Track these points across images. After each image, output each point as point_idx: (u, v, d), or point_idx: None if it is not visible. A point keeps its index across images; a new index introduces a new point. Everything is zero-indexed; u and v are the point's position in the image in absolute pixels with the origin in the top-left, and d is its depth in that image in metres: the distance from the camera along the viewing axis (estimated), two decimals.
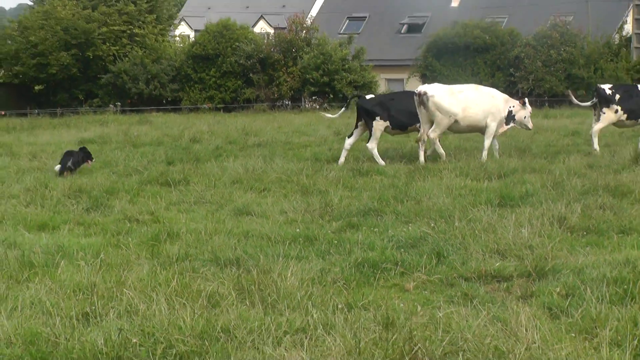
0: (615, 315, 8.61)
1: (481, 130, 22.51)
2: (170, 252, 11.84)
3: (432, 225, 13.06)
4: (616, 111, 23.22)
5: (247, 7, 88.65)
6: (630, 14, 50.92)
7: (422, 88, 22.39)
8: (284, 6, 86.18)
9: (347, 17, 68.39)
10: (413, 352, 7.73)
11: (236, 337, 8.23)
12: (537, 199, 15.23)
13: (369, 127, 22.90)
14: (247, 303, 9.33)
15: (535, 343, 7.87)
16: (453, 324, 8.42)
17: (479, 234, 12.39)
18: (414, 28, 65.72)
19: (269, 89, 51.87)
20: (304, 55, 51.20)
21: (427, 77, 50.64)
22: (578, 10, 57.78)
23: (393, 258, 11.26)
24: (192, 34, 75.10)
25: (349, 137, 23.28)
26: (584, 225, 13.03)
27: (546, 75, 46.24)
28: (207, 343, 8.10)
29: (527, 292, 9.82)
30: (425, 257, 11.24)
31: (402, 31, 66.32)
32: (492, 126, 22.21)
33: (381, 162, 22.04)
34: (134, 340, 8.05)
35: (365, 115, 22.96)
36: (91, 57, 53.21)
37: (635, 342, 7.99)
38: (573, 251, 11.56)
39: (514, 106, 22.74)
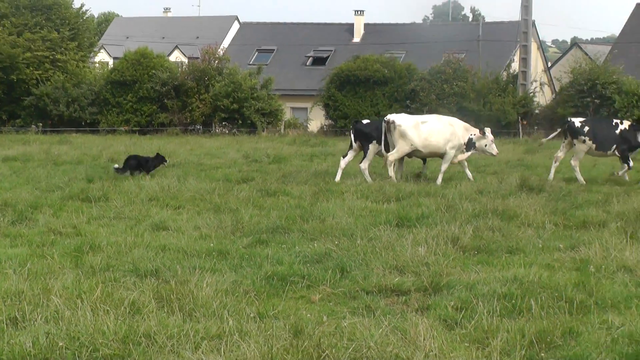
0: (505, 327, 8.80)
1: (441, 156, 23.16)
2: (93, 262, 11.76)
3: (336, 242, 13.16)
4: (584, 141, 23.71)
5: (163, 37, 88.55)
6: (517, 53, 51.84)
7: (391, 117, 23.28)
8: (197, 37, 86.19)
9: (257, 49, 68.45)
10: (322, 359, 7.82)
11: (157, 341, 8.23)
12: (432, 220, 15.45)
13: (364, 149, 23.46)
14: (167, 311, 9.31)
15: (432, 351, 8.02)
16: (357, 333, 8.51)
17: (379, 251, 12.54)
18: (318, 61, 66.12)
19: (182, 114, 51.65)
20: (216, 83, 51.12)
21: (329, 107, 50.92)
22: (470, 48, 58.73)
23: (300, 272, 11.33)
24: (111, 61, 74.61)
25: (343, 157, 23.88)
26: (475, 245, 13.28)
27: (439, 108, 46.77)
28: (129, 347, 8.09)
29: (424, 305, 9.97)
30: (329, 271, 11.34)
31: (308, 63, 66.65)
32: (450, 153, 22.91)
33: (370, 180, 22.46)
34: (61, 344, 8.00)
35: (362, 138, 23.50)
36: (15, 80, 52.43)
37: (524, 351, 8.19)
38: (465, 268, 11.75)
39: (474, 134, 23.32)
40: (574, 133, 23.69)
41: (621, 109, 42.88)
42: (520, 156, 31.46)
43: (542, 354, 8.18)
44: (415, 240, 13.19)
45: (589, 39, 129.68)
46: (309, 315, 9.33)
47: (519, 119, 46.31)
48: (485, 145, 23.24)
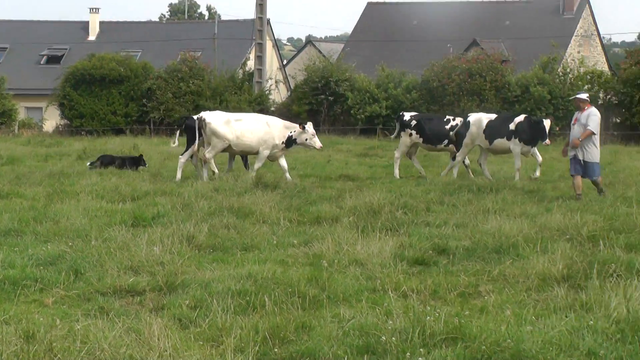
0: (239, 324, 8.87)
1: (256, 153, 23.39)
2: None
3: (70, 244, 12.87)
4: (410, 135, 24.69)
5: None
6: (253, 51, 52.38)
7: (202, 114, 23.47)
8: None
9: None
10: None
11: None
12: (168, 219, 15.38)
13: (188, 144, 23.73)
14: None
15: (167, 351, 7.97)
16: (91, 335, 8.34)
17: (114, 252, 12.35)
18: (53, 59, 64.57)
19: None
20: None
21: (65, 106, 49.72)
22: (206, 46, 58.90)
23: (33, 275, 11.02)
24: None
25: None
26: (210, 243, 13.34)
27: (176, 106, 46.66)
28: None
29: (159, 305, 9.92)
30: (63, 274, 11.09)
31: (42, 62, 65.02)
32: (263, 153, 23.14)
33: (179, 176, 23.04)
34: None
35: (190, 133, 23.68)
36: None
37: (257, 347, 8.28)
38: (201, 267, 11.78)
39: (294, 131, 23.36)
40: (402, 126, 25.04)
41: (354, 105, 44.12)
42: None
43: (276, 350, 8.30)
44: (150, 240, 13.07)
45: (323, 37, 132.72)
46: (41, 319, 9.09)
47: None
48: (306, 140, 23.34)
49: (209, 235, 13.78)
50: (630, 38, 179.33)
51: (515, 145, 23.12)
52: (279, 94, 52.66)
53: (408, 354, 8.10)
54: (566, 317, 9.24)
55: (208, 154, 23.00)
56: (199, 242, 13.29)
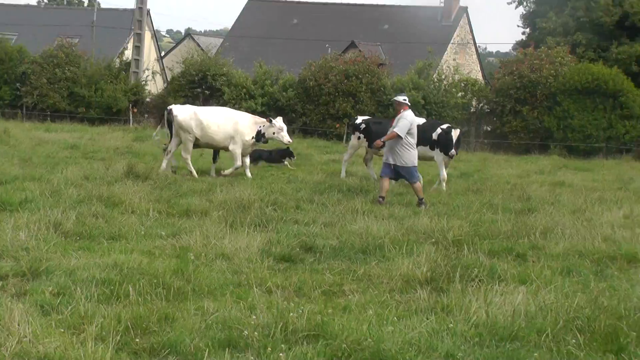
0: (102, 313, 8.82)
1: (224, 148, 23.26)
2: None
3: None
4: (359, 138, 24.20)
5: None
6: (131, 41, 51.76)
7: (171, 107, 23.51)
8: None
9: None
10: None
11: None
12: (35, 205, 15.13)
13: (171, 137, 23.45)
14: None
15: (26, 337, 7.88)
16: None
17: None
18: None
19: None
20: None
21: None
22: (84, 34, 58.01)
23: None
24: None
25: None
26: (77, 231, 13.18)
27: (50, 92, 45.73)
28: None
29: (21, 291, 9.78)
30: None
31: None
32: (235, 150, 22.93)
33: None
34: None
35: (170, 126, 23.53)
36: None
37: (119, 337, 8.23)
38: (66, 254, 11.64)
39: (263, 125, 23.18)
40: (353, 129, 24.74)
41: (230, 100, 43.95)
42: (129, 143, 31.46)
43: (137, 340, 8.26)
44: (16, 225, 12.89)
45: (203, 31, 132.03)
46: None
47: (130, 107, 46.26)
48: (274, 133, 23.10)
49: (76, 223, 13.63)
50: (505, 48, 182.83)
51: (437, 154, 22.82)
52: (155, 85, 52.11)
53: (269, 349, 8.15)
54: (427, 319, 9.42)
55: (184, 154, 23.08)
56: (66, 230, 13.13)
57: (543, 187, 23.09)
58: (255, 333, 8.47)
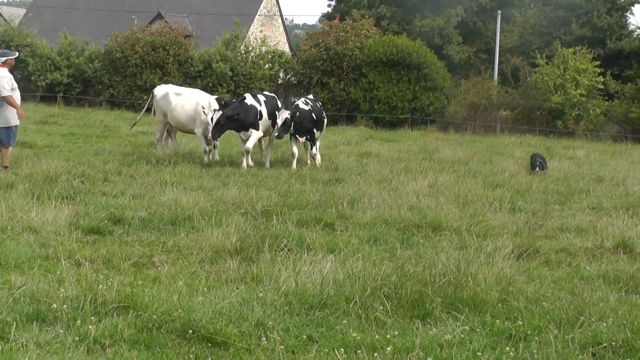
0: None
1: (189, 132, 22.55)
2: None
3: None
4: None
5: None
6: None
7: (156, 87, 23.37)
8: None
9: None
10: None
11: None
12: None
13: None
14: None
15: None
16: None
17: None
18: None
19: None
20: None
21: None
22: None
23: None
24: None
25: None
26: None
27: None
28: None
29: None
30: None
31: None
32: (198, 132, 21.88)
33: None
34: None
35: None
36: None
37: None
38: None
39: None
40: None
41: (34, 72, 42.86)
42: None
43: None
44: None
45: (6, 1, 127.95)
46: None
47: None
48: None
49: None
50: (312, 21, 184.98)
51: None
52: None
53: (79, 321, 8.07)
54: (237, 288, 9.51)
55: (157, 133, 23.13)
56: None
57: (350, 157, 23.50)
58: (64, 306, 8.37)
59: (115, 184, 16.76)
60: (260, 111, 21.36)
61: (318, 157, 22.11)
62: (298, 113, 21.20)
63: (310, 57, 42.34)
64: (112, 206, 13.99)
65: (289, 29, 75.74)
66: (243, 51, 43.22)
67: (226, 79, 41.26)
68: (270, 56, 43.61)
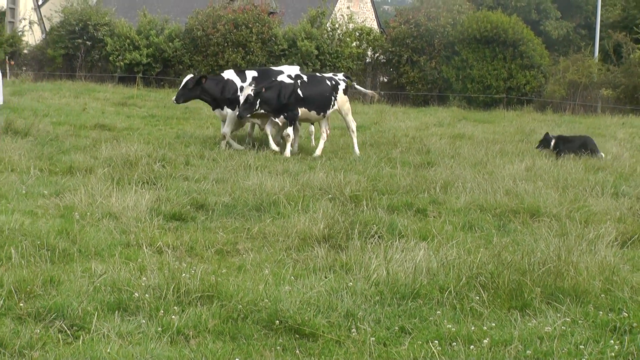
0: None
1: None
2: None
3: None
4: None
5: None
6: None
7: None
8: None
9: None
10: None
11: None
12: None
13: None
14: None
15: None
16: None
17: None
18: None
19: None
20: None
21: None
22: None
23: None
24: None
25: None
26: None
27: None
28: None
29: None
30: None
31: None
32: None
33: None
34: None
35: None
36: None
37: (2, 302, 8.13)
38: None
39: None
40: None
41: (113, 52, 43.34)
42: (7, 98, 30.78)
43: (22, 304, 8.14)
44: None
45: None
46: None
47: (7, 59, 45.31)
48: None
49: None
50: None
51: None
52: (33, 36, 51.11)
53: (162, 311, 8.13)
54: (325, 277, 9.49)
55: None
56: None
57: (442, 139, 23.33)
58: (147, 295, 8.43)
59: (197, 167, 16.87)
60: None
61: (291, 139, 20.13)
62: (265, 89, 19.83)
63: (399, 34, 42.17)
64: (194, 191, 14.07)
65: (377, 4, 75.44)
66: (329, 28, 43.18)
67: (312, 57, 41.27)
68: (357, 33, 43.52)
